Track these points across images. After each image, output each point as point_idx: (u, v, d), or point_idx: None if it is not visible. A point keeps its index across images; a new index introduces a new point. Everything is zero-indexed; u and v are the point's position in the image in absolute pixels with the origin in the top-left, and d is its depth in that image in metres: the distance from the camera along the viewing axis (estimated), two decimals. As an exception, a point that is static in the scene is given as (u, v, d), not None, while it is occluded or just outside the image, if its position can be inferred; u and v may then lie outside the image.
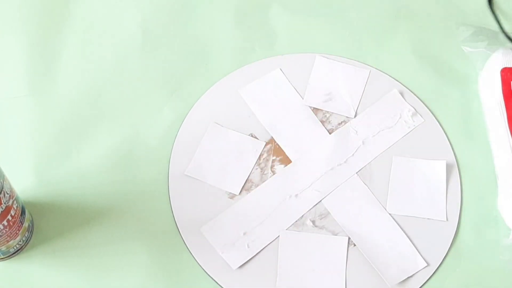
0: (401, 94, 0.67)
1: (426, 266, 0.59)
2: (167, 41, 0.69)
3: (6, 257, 0.57)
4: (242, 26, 0.70)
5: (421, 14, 0.72)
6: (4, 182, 0.51)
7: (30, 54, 0.67)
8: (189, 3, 0.71)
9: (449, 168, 0.64)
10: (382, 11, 0.72)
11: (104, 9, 0.70)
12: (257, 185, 0.62)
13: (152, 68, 0.67)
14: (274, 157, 0.64)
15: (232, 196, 0.62)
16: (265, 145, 0.64)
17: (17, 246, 0.57)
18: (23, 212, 0.56)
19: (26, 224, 0.56)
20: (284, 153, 0.64)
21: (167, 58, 0.68)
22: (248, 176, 0.62)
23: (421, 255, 0.60)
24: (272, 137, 0.65)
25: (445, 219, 0.61)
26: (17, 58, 0.67)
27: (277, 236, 0.60)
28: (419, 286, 0.59)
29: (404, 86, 0.68)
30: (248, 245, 0.59)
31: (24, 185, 0.60)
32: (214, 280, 0.58)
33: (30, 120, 0.64)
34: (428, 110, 0.67)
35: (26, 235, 0.57)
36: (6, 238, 0.54)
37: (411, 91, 0.67)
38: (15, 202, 0.54)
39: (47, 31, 0.68)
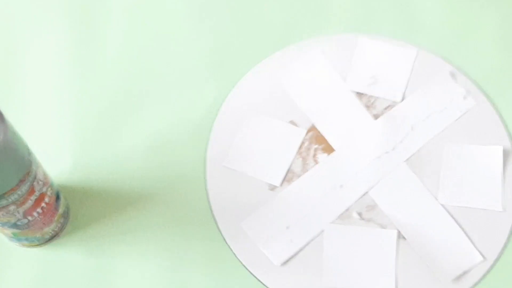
0: (452, 75, 0.63)
1: (482, 261, 0.56)
2: (208, 21, 0.66)
3: (41, 244, 0.57)
4: (285, 4, 0.67)
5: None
6: (38, 169, 0.50)
7: (72, 37, 0.65)
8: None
9: (505, 154, 0.59)
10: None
11: None
12: (299, 176, 0.59)
13: (191, 51, 0.65)
14: (316, 146, 0.60)
15: (273, 188, 0.58)
16: (307, 132, 0.61)
17: (52, 232, 0.56)
18: (58, 198, 0.55)
19: (61, 210, 0.56)
20: (327, 141, 0.60)
21: (207, 40, 0.65)
22: (290, 167, 0.59)
23: (477, 249, 0.56)
24: (313, 124, 0.61)
25: (502, 209, 0.57)
26: (59, 41, 0.65)
27: (322, 230, 0.57)
28: (475, 282, 0.55)
29: (455, 66, 0.63)
30: (291, 240, 0.56)
31: (61, 168, 0.60)
32: (256, 277, 0.55)
33: (70, 103, 0.63)
34: (480, 91, 0.62)
35: (61, 221, 0.56)
36: (40, 225, 0.54)
37: (463, 72, 0.63)
38: (49, 188, 0.53)
39: (89, 14, 0.67)
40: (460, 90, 0.62)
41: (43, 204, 0.52)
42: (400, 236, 0.57)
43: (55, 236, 0.57)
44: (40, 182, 0.51)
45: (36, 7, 0.67)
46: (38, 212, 0.52)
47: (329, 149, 0.60)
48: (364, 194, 0.58)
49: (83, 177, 0.59)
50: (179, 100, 0.63)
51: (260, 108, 0.62)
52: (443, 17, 0.66)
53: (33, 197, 0.50)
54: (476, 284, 0.55)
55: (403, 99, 0.62)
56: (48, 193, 0.52)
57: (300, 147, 0.60)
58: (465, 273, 0.55)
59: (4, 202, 0.48)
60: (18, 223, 0.52)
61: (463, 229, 0.57)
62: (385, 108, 0.62)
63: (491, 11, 0.66)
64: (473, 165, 0.59)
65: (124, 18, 0.66)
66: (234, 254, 0.56)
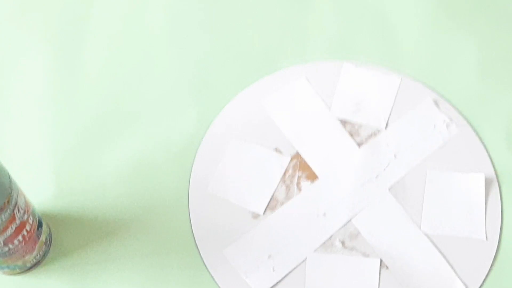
0: (435, 102, 0.63)
1: (465, 290, 0.56)
2: (192, 46, 0.66)
3: (23, 272, 0.56)
4: (270, 31, 0.67)
5: (460, 17, 0.67)
6: (19, 197, 0.50)
7: (52, 60, 0.65)
8: (218, 4, 0.68)
9: (488, 181, 0.60)
10: (418, 15, 0.68)
11: (128, 12, 0.68)
12: (282, 204, 0.59)
13: (176, 76, 0.65)
14: (300, 173, 0.60)
15: (256, 215, 0.58)
16: (291, 160, 0.61)
17: (34, 260, 0.56)
18: (39, 226, 0.54)
19: (43, 238, 0.55)
20: (311, 168, 0.60)
21: (192, 66, 0.65)
22: (273, 194, 0.59)
23: (460, 278, 0.56)
24: (297, 151, 0.61)
25: (485, 238, 0.57)
26: (39, 64, 0.65)
27: (304, 258, 0.57)
28: (458, 312, 0.55)
29: (438, 93, 0.64)
30: (273, 269, 0.56)
31: (43, 196, 0.59)
32: (238, 306, 0.55)
33: (50, 129, 0.63)
34: (464, 119, 0.62)
35: (43, 249, 0.56)
36: (22, 253, 0.53)
37: (446, 99, 0.63)
38: (31, 216, 0.52)
39: (69, 36, 0.67)
40: (443, 117, 0.62)
41: (24, 232, 0.52)
42: (382, 265, 0.56)
43: (37, 263, 0.56)
44: (21, 210, 0.50)
45: (17, 28, 0.67)
46: (19, 240, 0.52)
47: (313, 177, 0.60)
48: (347, 222, 0.58)
49: (66, 204, 0.59)
50: (163, 125, 0.62)
51: (245, 135, 0.62)
52: (425, 46, 0.66)
53: (13, 225, 0.50)
54: (458, 313, 0.55)
55: (386, 126, 0.62)
56: (30, 220, 0.52)
57: (284, 174, 0.60)
58: (447, 302, 0.55)
59: (-17, 230, 0.48)
60: (-2, 251, 0.51)
61: (446, 258, 0.57)
62: (369, 135, 0.62)
63: (471, 41, 0.66)
64: (456, 193, 0.59)
65: (108, 42, 0.66)
66: (215, 282, 0.56)
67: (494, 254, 0.57)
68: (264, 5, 0.68)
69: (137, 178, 0.60)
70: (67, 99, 0.64)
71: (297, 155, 0.61)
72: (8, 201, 0.48)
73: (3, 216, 0.48)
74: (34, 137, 0.62)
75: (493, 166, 0.61)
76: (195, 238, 0.57)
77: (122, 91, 0.64)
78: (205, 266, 0.56)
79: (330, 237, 0.57)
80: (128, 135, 0.62)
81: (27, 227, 0.52)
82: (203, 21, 0.67)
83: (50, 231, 0.57)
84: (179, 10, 0.68)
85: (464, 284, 0.56)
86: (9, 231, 0.50)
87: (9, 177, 0.48)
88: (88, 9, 0.68)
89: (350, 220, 0.58)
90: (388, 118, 0.63)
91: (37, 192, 0.59)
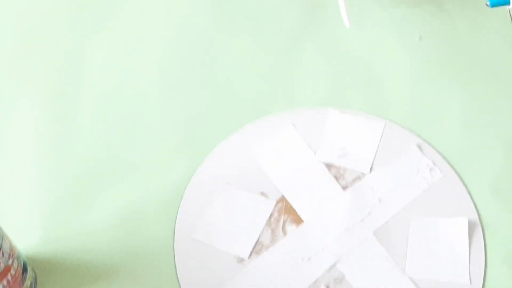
0: (419, 147, 0.64)
1: (449, 335, 0.56)
2: (182, 96, 0.67)
3: None
4: (257, 78, 0.68)
5: (444, 68, 0.69)
6: (4, 241, 0.50)
7: (42, 108, 0.66)
8: (207, 50, 0.69)
9: (471, 225, 0.60)
10: (403, 64, 0.69)
11: (119, 63, 0.69)
12: (268, 248, 0.59)
13: (163, 123, 0.65)
14: (285, 217, 0.61)
15: (241, 260, 0.59)
16: (276, 203, 0.61)
17: None
18: (24, 270, 0.54)
19: (28, 283, 0.55)
20: (296, 212, 0.61)
21: (180, 112, 0.66)
22: (258, 238, 0.59)
23: (444, 323, 0.56)
24: (283, 195, 0.62)
25: (469, 282, 0.58)
26: (31, 112, 0.66)
27: (289, 303, 0.57)
28: None
29: (421, 138, 0.65)
30: (258, 314, 0.56)
31: (29, 241, 0.59)
32: None
33: (38, 174, 0.63)
34: (447, 164, 0.63)
35: None
36: None
37: (430, 144, 0.64)
38: (16, 261, 0.52)
39: (61, 86, 0.67)
40: (427, 162, 0.63)
41: (8, 277, 0.51)
42: (367, 309, 0.57)
43: (21, 309, 0.56)
44: (6, 254, 0.50)
45: (10, 77, 0.68)
46: (3, 285, 0.51)
47: (298, 220, 0.61)
48: (332, 267, 0.58)
49: (52, 249, 0.59)
50: (150, 173, 0.63)
51: (230, 180, 0.62)
52: (409, 93, 0.67)
53: (-3, 270, 0.50)
54: None
55: (371, 170, 0.63)
56: (14, 265, 0.52)
57: (270, 218, 0.61)
58: None
59: (-34, 275, 0.48)
60: (-18, 296, 0.51)
61: (430, 302, 0.57)
62: (354, 180, 0.63)
63: (454, 92, 0.67)
64: (440, 238, 0.59)
65: (98, 94, 0.67)
66: (201, 327, 0.56)
67: (478, 299, 0.57)
68: (253, 52, 0.70)
69: (124, 225, 0.60)
70: (56, 147, 0.64)
71: (282, 199, 0.62)
72: (-8, 246, 0.48)
73: (-13, 261, 0.48)
74: (22, 182, 0.62)
75: (477, 210, 0.61)
76: (181, 285, 0.57)
77: (110, 142, 0.64)
78: (191, 312, 0.57)
79: (315, 281, 0.58)
80: (115, 182, 0.62)
81: (12, 272, 0.52)
82: (191, 68, 0.69)
83: (35, 276, 0.57)
84: (169, 57, 0.69)
85: (449, 329, 0.56)
86: (-7, 275, 0.50)
87: (-5, 222, 0.49)
88: (81, 60, 0.69)
89: (335, 264, 0.58)
90: (373, 162, 0.63)
91: (23, 237, 0.59)
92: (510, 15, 0.52)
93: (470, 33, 0.70)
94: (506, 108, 0.67)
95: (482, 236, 0.60)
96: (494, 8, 0.63)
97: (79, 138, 0.65)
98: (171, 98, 0.67)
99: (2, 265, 0.50)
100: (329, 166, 0.63)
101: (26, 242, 0.59)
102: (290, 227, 0.60)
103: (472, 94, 0.67)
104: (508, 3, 0.49)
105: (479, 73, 0.69)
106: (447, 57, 0.69)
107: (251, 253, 0.59)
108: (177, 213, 0.61)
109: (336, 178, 0.63)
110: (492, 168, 0.63)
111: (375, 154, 0.64)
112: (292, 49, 0.70)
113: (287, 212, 0.61)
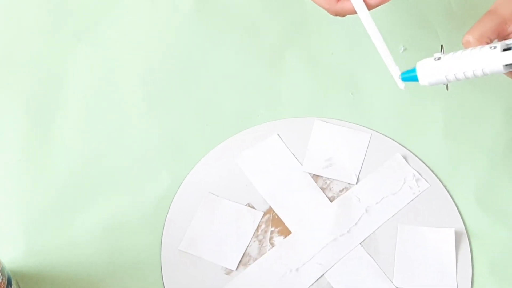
0: (405, 158, 0.64)
1: None
2: (166, 107, 0.67)
3: None
4: (242, 89, 0.68)
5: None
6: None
7: (25, 120, 0.65)
8: (191, 61, 0.69)
9: (458, 235, 0.60)
10: (387, 76, 0.70)
11: (102, 76, 0.68)
12: (255, 259, 0.59)
13: (148, 134, 0.65)
14: (273, 228, 0.61)
15: (228, 271, 0.58)
16: (263, 215, 0.61)
17: None
18: (9, 284, 0.53)
19: None
20: (283, 223, 0.61)
21: (165, 122, 0.66)
22: (246, 250, 0.59)
23: (432, 332, 0.56)
24: (270, 206, 0.62)
25: (456, 292, 0.58)
26: (11, 124, 0.65)
27: (277, 315, 0.56)
28: None
29: (407, 149, 0.65)
30: (246, 326, 0.56)
31: (13, 254, 0.59)
32: None
33: (22, 187, 0.62)
34: (433, 174, 0.64)
35: None
36: None
37: (415, 154, 0.65)
38: (0, 274, 0.51)
39: (43, 99, 0.67)
40: (413, 172, 0.64)
41: (-8, 291, 0.51)
42: (356, 320, 0.56)
43: (5, 322, 0.55)
44: (-10, 268, 0.50)
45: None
46: (-13, 299, 0.51)
47: (285, 232, 0.60)
48: (320, 278, 0.58)
49: (36, 262, 0.58)
50: (135, 185, 0.62)
51: (217, 191, 0.62)
52: (394, 104, 0.68)
53: (-19, 284, 0.49)
54: None
55: (358, 181, 0.63)
56: (-1, 279, 0.51)
57: (257, 229, 0.60)
58: None
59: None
60: (-35, 310, 0.50)
61: (418, 312, 0.57)
62: (341, 190, 0.63)
63: (437, 99, 0.68)
64: (427, 248, 0.60)
65: (80, 107, 0.66)
66: None
67: (466, 308, 0.58)
68: (238, 64, 0.70)
69: (109, 237, 0.60)
70: (39, 160, 0.63)
71: (269, 210, 0.61)
72: (-24, 260, 0.47)
73: (-30, 275, 0.47)
74: (5, 195, 0.62)
75: (463, 220, 0.62)
76: (168, 296, 0.57)
77: (96, 152, 0.64)
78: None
79: (303, 293, 0.58)
80: (100, 194, 0.62)
81: (-4, 286, 0.51)
82: (176, 79, 0.68)
83: (19, 289, 0.57)
84: (153, 69, 0.69)
85: (437, 338, 0.56)
86: (-23, 290, 0.49)
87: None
88: (63, 74, 0.68)
89: (323, 275, 0.58)
90: (359, 173, 0.64)
91: (8, 250, 0.58)
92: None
93: (453, 44, 0.71)
94: (489, 118, 0.67)
95: (468, 245, 0.60)
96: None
97: (63, 151, 0.64)
98: (156, 110, 0.67)
99: (-14, 279, 0.49)
100: (315, 177, 0.63)
101: (10, 255, 0.58)
102: (278, 239, 0.60)
103: (455, 104, 0.68)
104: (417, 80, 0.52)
105: (462, 84, 0.69)
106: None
107: (238, 264, 0.58)
108: (163, 225, 0.60)
109: (323, 189, 0.63)
110: (476, 178, 0.64)
111: (362, 164, 0.64)
112: (277, 60, 0.70)
113: (274, 223, 0.61)
